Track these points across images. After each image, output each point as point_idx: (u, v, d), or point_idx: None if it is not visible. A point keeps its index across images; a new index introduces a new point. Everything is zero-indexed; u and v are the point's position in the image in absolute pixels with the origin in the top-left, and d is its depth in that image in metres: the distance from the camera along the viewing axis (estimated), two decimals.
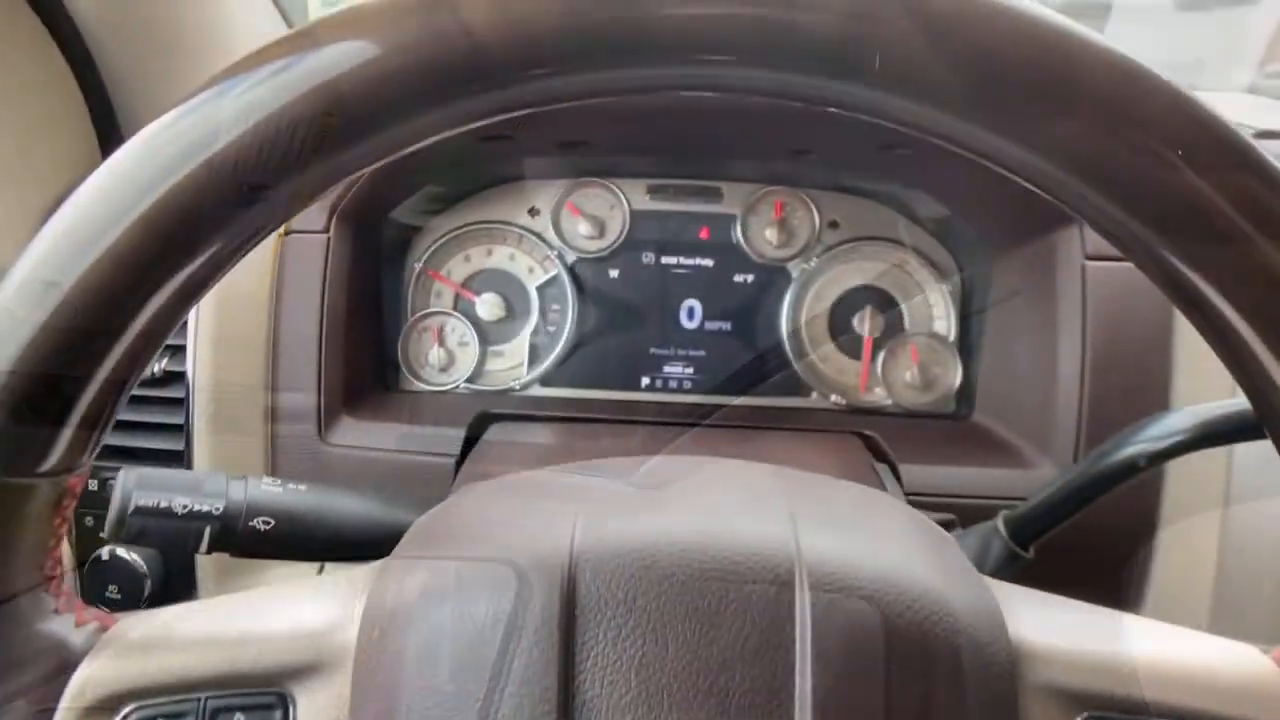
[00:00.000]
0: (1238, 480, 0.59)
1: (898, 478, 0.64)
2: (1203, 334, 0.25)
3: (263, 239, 0.25)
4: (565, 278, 0.78)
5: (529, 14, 0.22)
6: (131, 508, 0.43)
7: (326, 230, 0.70)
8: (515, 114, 0.25)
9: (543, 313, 0.79)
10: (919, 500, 0.63)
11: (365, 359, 0.75)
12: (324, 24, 0.23)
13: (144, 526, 0.44)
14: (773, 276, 0.79)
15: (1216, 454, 0.61)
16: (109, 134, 0.76)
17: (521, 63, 0.23)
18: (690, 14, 0.23)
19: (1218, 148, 0.23)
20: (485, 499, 0.36)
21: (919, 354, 0.77)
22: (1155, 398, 0.61)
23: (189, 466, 0.68)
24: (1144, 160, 0.24)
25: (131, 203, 0.22)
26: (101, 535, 0.62)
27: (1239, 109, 1.12)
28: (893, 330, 0.78)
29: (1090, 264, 0.63)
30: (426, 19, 0.22)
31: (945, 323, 0.78)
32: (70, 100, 0.75)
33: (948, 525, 0.58)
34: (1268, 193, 0.23)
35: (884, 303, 0.78)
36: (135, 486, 0.44)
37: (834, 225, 0.79)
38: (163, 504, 0.44)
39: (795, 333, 0.78)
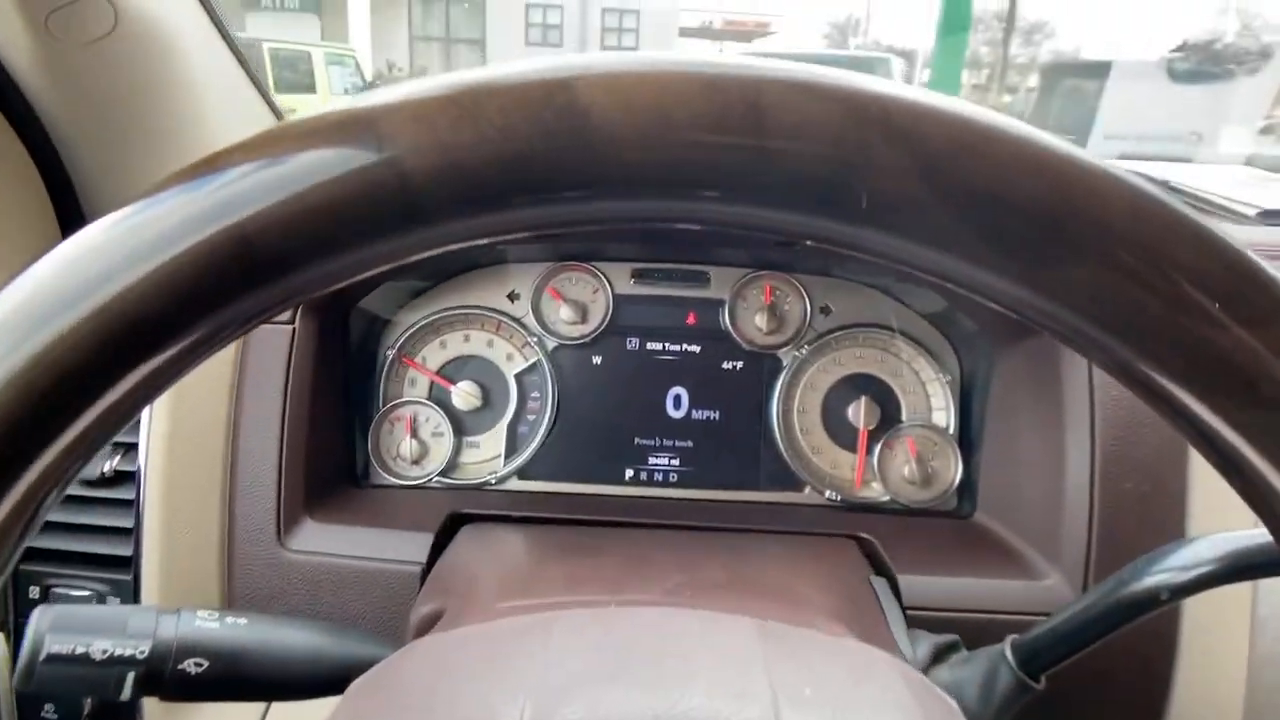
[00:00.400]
0: (1264, 600, 0.55)
1: (896, 591, 0.59)
2: (1235, 488, 0.22)
3: (172, 383, 0.22)
4: (545, 365, 0.75)
5: (486, 141, 0.19)
6: (43, 655, 0.39)
7: (292, 322, 0.66)
8: (469, 244, 0.21)
9: (521, 402, 0.75)
10: (919, 616, 0.59)
11: (332, 455, 0.71)
12: (239, 150, 0.20)
13: (56, 675, 0.39)
14: (763, 364, 0.75)
15: None
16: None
17: (483, 196, 0.20)
18: (642, 153, 0.20)
19: (1259, 298, 0.20)
20: (428, 665, 0.32)
21: (917, 447, 0.73)
22: (1171, 508, 0.57)
23: (136, 574, 0.63)
24: (1175, 312, 0.20)
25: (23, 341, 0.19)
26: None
27: (1238, 182, 1.10)
28: (889, 422, 0.74)
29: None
30: (348, 151, 0.19)
31: (945, 414, 0.74)
32: (34, 200, 0.72)
33: (951, 647, 0.53)
34: None
35: (880, 393, 0.75)
36: (49, 630, 0.40)
37: (826, 311, 0.75)
38: (79, 650, 0.40)
39: (787, 423, 0.74)
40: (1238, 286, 0.20)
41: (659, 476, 0.75)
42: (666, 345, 0.76)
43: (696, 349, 0.76)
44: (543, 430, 0.74)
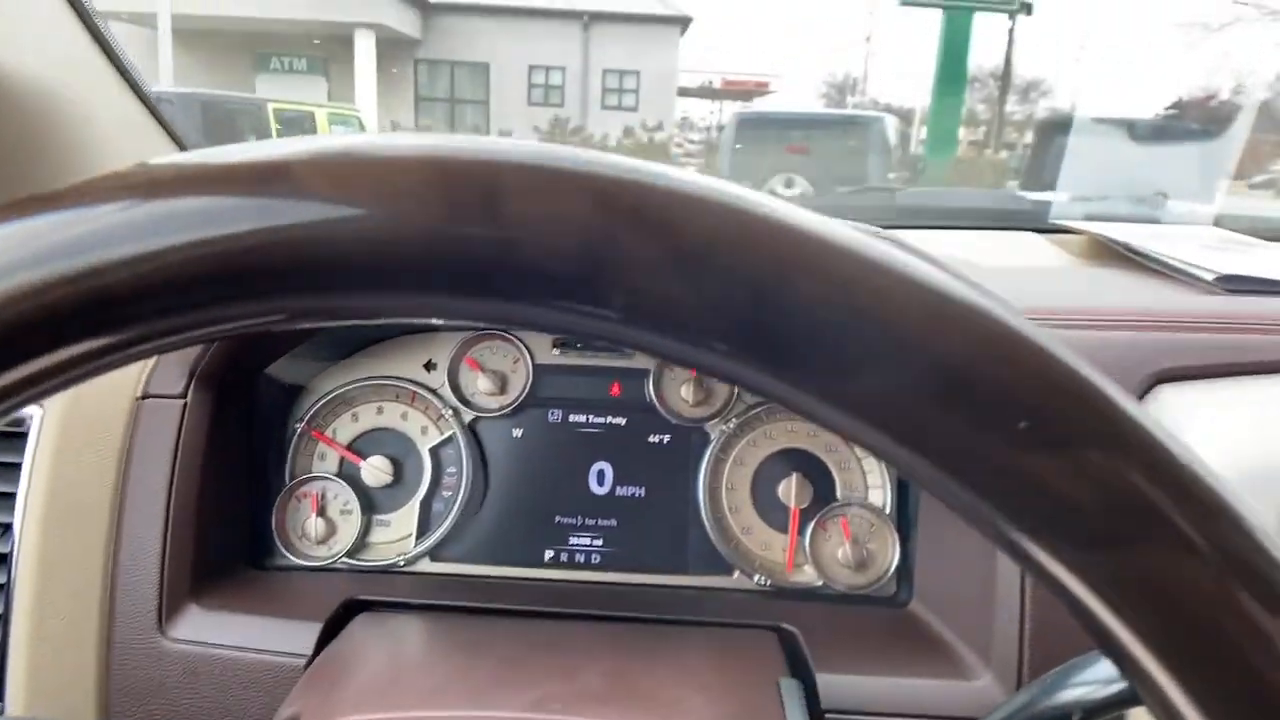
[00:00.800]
0: None
1: (813, 692, 0.54)
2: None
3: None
4: (461, 439, 0.71)
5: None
6: None
7: (183, 395, 0.63)
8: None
9: (436, 478, 0.71)
10: (840, 719, 0.54)
11: (227, 534, 0.67)
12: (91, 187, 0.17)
13: None
14: (690, 438, 0.72)
15: None
16: None
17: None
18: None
19: (1079, 416, 0.16)
20: None
21: (851, 528, 0.69)
22: None
23: (2, 665, 0.59)
24: (976, 431, 0.17)
25: None
26: None
27: (1204, 245, 1.08)
28: (823, 500, 0.70)
29: None
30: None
31: (882, 493, 0.70)
32: None
33: None
34: (1156, 488, 0.16)
35: (813, 469, 0.71)
36: None
37: None
38: None
39: (714, 502, 0.70)
40: (1053, 402, 0.17)
41: (580, 558, 0.71)
42: (590, 417, 0.73)
43: (622, 421, 0.72)
44: (457, 508, 0.70)
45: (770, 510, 0.71)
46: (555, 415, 0.73)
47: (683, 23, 16.81)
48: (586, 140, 12.42)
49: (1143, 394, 0.56)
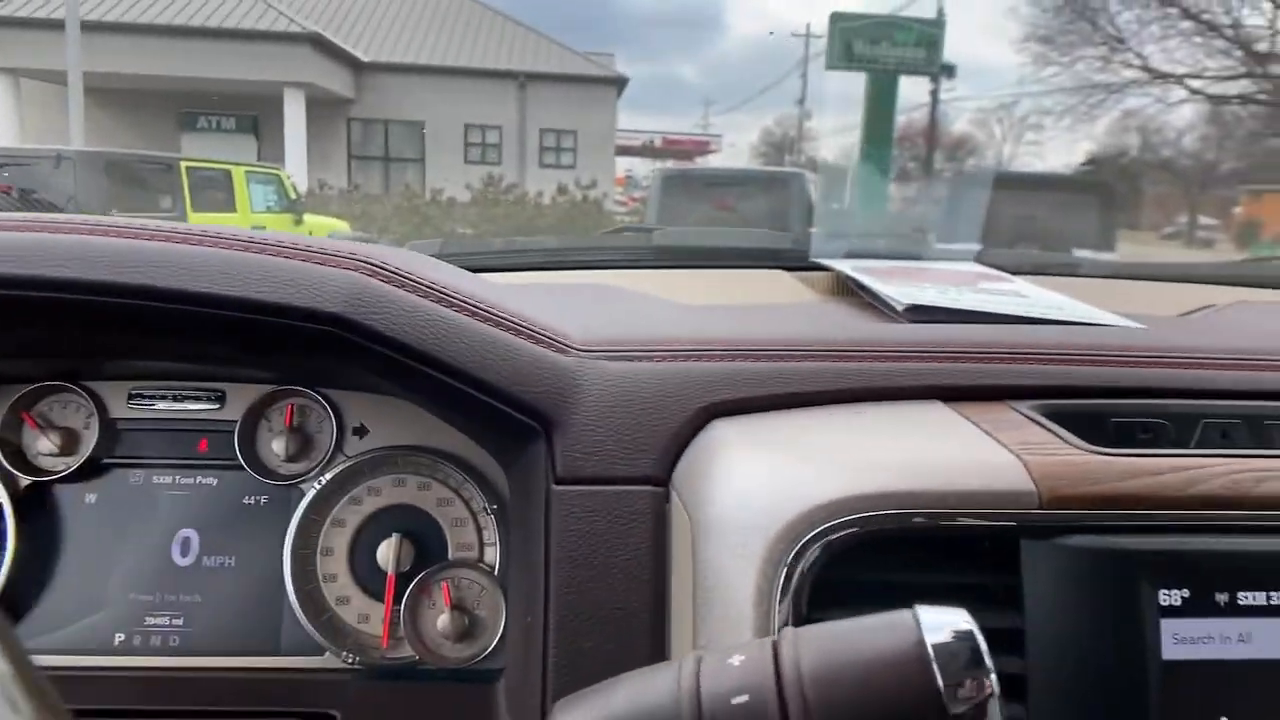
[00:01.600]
0: None
1: None
2: None
3: None
4: (7, 509, 0.62)
5: None
6: None
7: None
8: None
9: None
10: None
11: None
12: None
13: None
14: (287, 498, 0.64)
15: None
16: None
17: None
18: None
19: None
20: None
21: (455, 593, 0.61)
22: (636, 649, 0.46)
23: None
24: None
25: None
26: None
27: (941, 279, 1.05)
28: (430, 562, 0.62)
29: (559, 489, 0.49)
30: None
31: (496, 551, 0.62)
32: None
33: None
34: None
35: (424, 528, 0.63)
36: None
37: (361, 433, 0.64)
38: None
39: (303, 570, 0.62)
40: None
41: (156, 642, 0.62)
42: (178, 478, 0.64)
43: (213, 482, 0.64)
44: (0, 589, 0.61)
45: (372, 577, 0.62)
46: (137, 477, 0.64)
47: (618, 83, 17.19)
48: (521, 198, 12.48)
49: (696, 428, 0.50)
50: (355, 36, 14.80)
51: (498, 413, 0.51)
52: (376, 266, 0.50)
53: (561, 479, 0.49)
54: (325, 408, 0.64)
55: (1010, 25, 19.06)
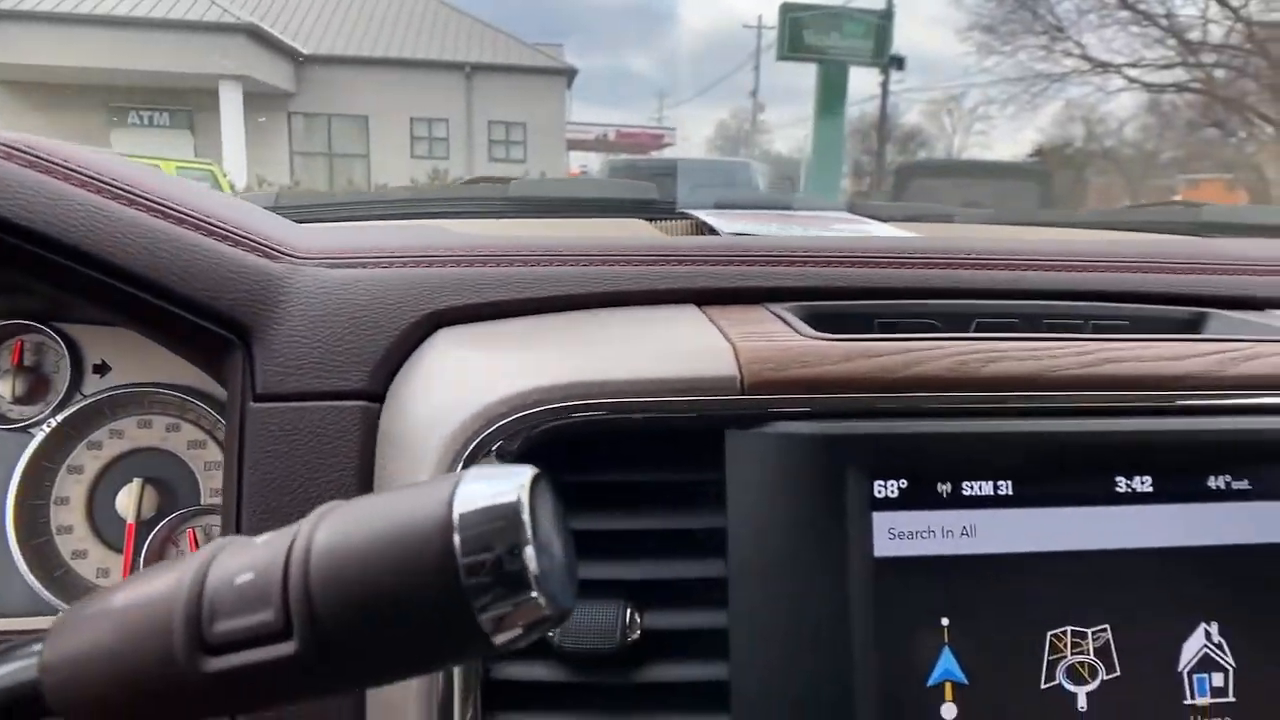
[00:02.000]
0: None
1: None
2: None
3: None
4: None
5: None
6: None
7: None
8: None
9: None
10: None
11: None
12: None
13: None
14: (20, 443, 0.57)
15: None
16: None
17: None
18: None
19: None
20: None
21: (200, 540, 0.55)
22: None
23: None
24: None
25: None
26: None
27: (823, 222, 1.02)
28: (174, 508, 0.56)
29: (256, 406, 0.44)
30: None
31: None
32: None
33: None
34: None
35: (174, 473, 0.57)
36: None
37: (102, 370, 0.58)
38: None
39: (32, 522, 0.56)
40: None
41: None
42: None
43: None
44: None
45: (114, 528, 0.57)
46: None
47: (568, 74, 17.03)
48: None
49: (420, 338, 0.45)
50: (295, 28, 14.44)
51: (197, 328, 0.45)
52: (9, 148, 0.44)
53: (261, 396, 0.44)
54: (59, 343, 0.58)
55: (956, 16, 19.30)
